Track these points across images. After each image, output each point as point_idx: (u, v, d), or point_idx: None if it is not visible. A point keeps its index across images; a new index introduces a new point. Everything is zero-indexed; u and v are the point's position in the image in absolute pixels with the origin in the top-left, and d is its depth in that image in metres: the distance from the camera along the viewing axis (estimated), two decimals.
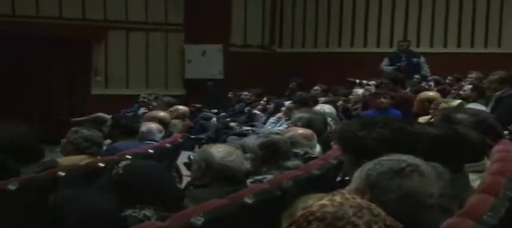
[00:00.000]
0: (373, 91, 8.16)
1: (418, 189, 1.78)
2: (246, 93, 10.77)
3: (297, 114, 4.91)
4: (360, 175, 1.85)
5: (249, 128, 8.53)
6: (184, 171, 5.03)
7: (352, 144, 2.35)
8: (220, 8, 12.25)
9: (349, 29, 13.17)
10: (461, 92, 6.88)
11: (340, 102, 7.71)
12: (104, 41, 11.81)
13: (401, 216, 1.51)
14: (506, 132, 4.44)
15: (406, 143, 2.20)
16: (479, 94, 6.46)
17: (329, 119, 5.31)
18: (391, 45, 12.46)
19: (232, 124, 9.18)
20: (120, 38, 11.96)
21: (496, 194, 2.11)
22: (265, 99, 9.72)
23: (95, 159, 4.03)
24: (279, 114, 7.42)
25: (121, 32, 11.94)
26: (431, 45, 12.50)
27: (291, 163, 3.49)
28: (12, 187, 3.16)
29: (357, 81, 9.65)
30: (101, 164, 3.83)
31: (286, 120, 6.58)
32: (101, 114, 8.31)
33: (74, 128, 4.25)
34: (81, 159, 3.97)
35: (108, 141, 5.20)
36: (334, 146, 3.85)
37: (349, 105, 7.85)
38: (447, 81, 9.68)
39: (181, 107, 7.66)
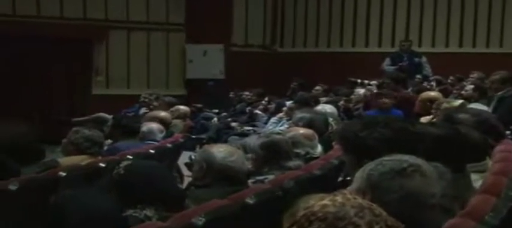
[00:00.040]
0: (375, 91, 8.15)
1: (420, 189, 1.78)
2: (247, 93, 10.74)
3: (298, 114, 4.91)
4: (362, 175, 1.85)
5: (250, 128, 8.52)
6: (186, 172, 5.02)
7: (353, 145, 2.35)
8: (221, 7, 12.23)
9: (351, 29, 13.15)
10: (463, 92, 6.86)
11: (341, 102, 7.69)
12: (104, 40, 11.79)
13: (403, 216, 1.51)
14: (508, 132, 4.42)
15: (407, 143, 2.20)
16: (481, 94, 6.45)
17: (330, 119, 5.32)
18: (392, 45, 12.42)
19: (233, 124, 9.16)
20: (121, 37, 11.95)
21: (498, 194, 2.11)
22: (266, 99, 9.69)
23: (96, 159, 4.03)
24: (280, 114, 7.40)
25: (122, 31, 11.93)
26: (433, 45, 12.47)
27: (292, 163, 3.49)
28: (12, 187, 3.16)
29: (359, 81, 9.62)
30: (102, 164, 3.83)
31: (287, 120, 6.57)
32: (101, 114, 8.29)
33: (74, 128, 4.25)
34: (82, 160, 3.97)
35: (109, 141, 5.21)
36: (336, 146, 3.84)
37: (351, 105, 7.83)
38: (449, 81, 9.66)
39: (182, 107, 7.66)
